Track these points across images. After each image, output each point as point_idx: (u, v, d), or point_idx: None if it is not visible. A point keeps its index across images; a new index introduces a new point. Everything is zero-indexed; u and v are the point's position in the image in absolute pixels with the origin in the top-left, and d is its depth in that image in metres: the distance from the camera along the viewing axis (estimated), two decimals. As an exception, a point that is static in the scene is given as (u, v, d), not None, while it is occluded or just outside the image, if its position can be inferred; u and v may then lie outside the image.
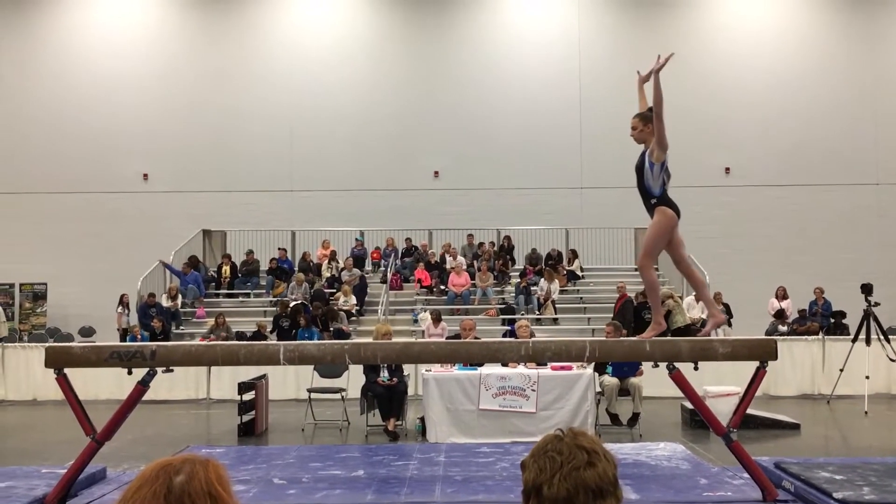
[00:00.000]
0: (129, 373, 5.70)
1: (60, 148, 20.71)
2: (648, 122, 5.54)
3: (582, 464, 1.57)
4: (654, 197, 5.49)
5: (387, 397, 9.61)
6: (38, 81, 21.02)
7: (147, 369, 5.66)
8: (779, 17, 21.32)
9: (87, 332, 18.63)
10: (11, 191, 20.58)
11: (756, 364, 5.68)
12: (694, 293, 15.65)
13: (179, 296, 16.98)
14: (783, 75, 20.97)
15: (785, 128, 20.74)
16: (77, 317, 19.29)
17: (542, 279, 17.22)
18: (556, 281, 17.22)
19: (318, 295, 16.68)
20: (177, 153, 20.84)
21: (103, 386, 11.71)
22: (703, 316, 15.63)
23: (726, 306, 16.31)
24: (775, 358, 5.67)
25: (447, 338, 12.20)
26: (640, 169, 5.56)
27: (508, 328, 15.11)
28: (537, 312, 16.69)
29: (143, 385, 5.69)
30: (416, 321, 16.10)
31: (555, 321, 16.67)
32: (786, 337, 14.11)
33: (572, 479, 1.55)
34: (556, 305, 16.89)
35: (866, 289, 11.89)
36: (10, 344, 14.38)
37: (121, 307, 16.91)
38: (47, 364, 5.65)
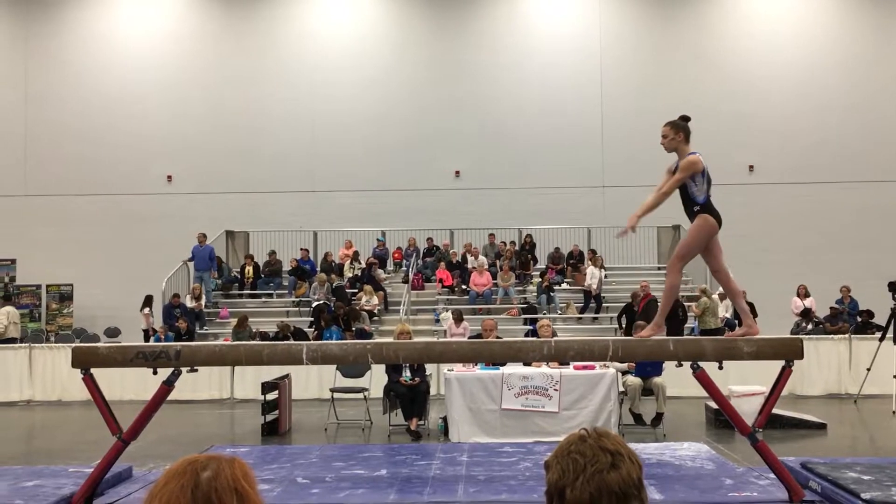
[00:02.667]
0: (155, 373, 5.75)
1: (86, 151, 20.95)
2: (679, 130, 5.52)
3: (605, 466, 1.55)
4: (698, 204, 5.51)
5: (409, 397, 9.62)
6: (64, 85, 21.29)
7: (172, 369, 5.70)
8: (802, 12, 21.10)
9: (112, 332, 18.83)
10: (37, 193, 20.86)
11: (781, 363, 5.62)
12: (719, 291, 15.54)
13: (203, 296, 17.11)
14: (806, 72, 20.76)
15: (809, 125, 20.53)
16: (103, 317, 19.49)
17: (591, 266, 17.20)
18: (602, 269, 17.25)
19: (340, 295, 16.74)
20: (200, 155, 21.01)
21: (128, 386, 11.83)
22: (727, 315, 15.52)
23: (751, 305, 16.10)
24: (801, 357, 5.60)
25: (469, 337, 12.20)
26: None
27: (530, 327, 15.10)
28: (558, 313, 16.65)
29: (168, 385, 5.73)
30: (437, 321, 16.12)
31: (578, 320, 16.63)
32: (812, 336, 13.97)
33: (595, 482, 1.53)
34: (578, 305, 16.84)
35: (893, 287, 11.73)
36: (36, 345, 14.56)
37: (147, 308, 17.08)
38: (74, 364, 5.70)
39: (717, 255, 5.71)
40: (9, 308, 16.32)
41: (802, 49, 20.86)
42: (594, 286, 16.77)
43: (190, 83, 21.21)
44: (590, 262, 17.56)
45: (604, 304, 17.18)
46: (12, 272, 20.12)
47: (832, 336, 14.01)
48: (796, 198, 20.24)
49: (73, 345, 12.37)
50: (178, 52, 21.34)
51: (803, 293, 16.21)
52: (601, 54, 21.03)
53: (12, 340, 15.55)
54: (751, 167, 20.73)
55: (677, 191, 5.58)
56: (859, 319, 15.44)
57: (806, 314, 15.64)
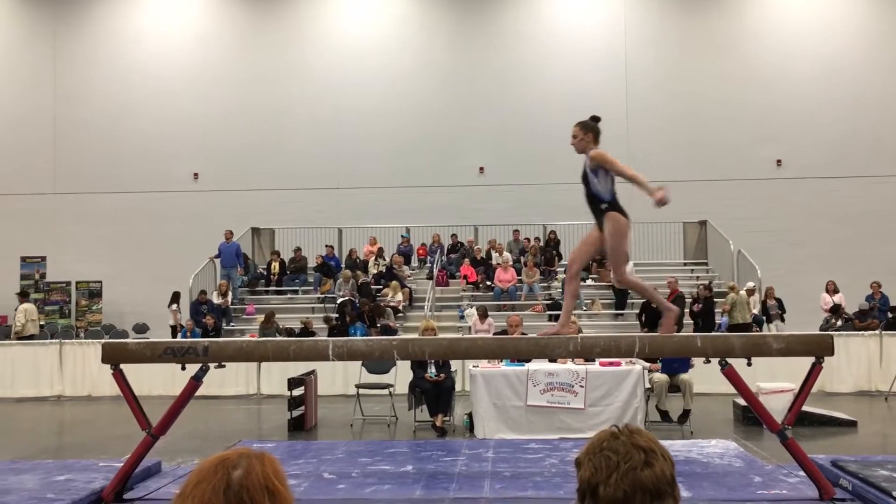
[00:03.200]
0: (183, 368, 5.80)
1: (114, 150, 21.18)
2: (589, 131, 5.47)
3: (639, 464, 1.54)
4: (605, 202, 5.43)
5: (434, 393, 9.63)
6: (92, 85, 21.53)
7: (200, 365, 5.75)
8: (828, 4, 20.80)
9: (140, 328, 19.05)
10: (67, 191, 21.13)
11: (811, 360, 5.55)
12: (748, 287, 15.40)
13: (230, 293, 17.24)
14: (833, 65, 20.45)
15: (837, 118, 20.23)
16: (131, 314, 19.73)
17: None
18: (630, 262, 17.10)
19: (365, 291, 16.78)
20: (226, 153, 21.17)
21: (157, 382, 11.94)
22: (755, 311, 15.36)
23: (779, 301, 15.99)
24: (832, 354, 5.52)
25: (494, 334, 12.18)
26: (585, 178, 5.50)
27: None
28: (583, 309, 16.58)
29: (196, 380, 5.78)
30: (462, 317, 16.11)
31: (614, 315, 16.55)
32: (841, 332, 13.79)
33: (629, 479, 1.52)
34: (603, 301, 16.74)
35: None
36: (66, 341, 14.76)
37: (174, 304, 17.24)
38: (104, 360, 5.76)
39: (587, 255, 5.83)
40: (26, 305, 16.54)
41: (830, 40, 20.55)
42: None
43: (216, 82, 21.37)
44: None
45: (629, 300, 17.06)
46: (43, 269, 20.42)
47: (862, 332, 13.82)
48: (825, 192, 19.96)
49: (103, 341, 12.53)
50: (203, 51, 21.50)
51: (832, 289, 16.01)
52: (626, 48, 20.87)
53: (31, 337, 15.77)
54: (778, 161, 20.47)
55: (583, 189, 5.49)
56: (890, 315, 15.22)
57: (835, 310, 15.44)
